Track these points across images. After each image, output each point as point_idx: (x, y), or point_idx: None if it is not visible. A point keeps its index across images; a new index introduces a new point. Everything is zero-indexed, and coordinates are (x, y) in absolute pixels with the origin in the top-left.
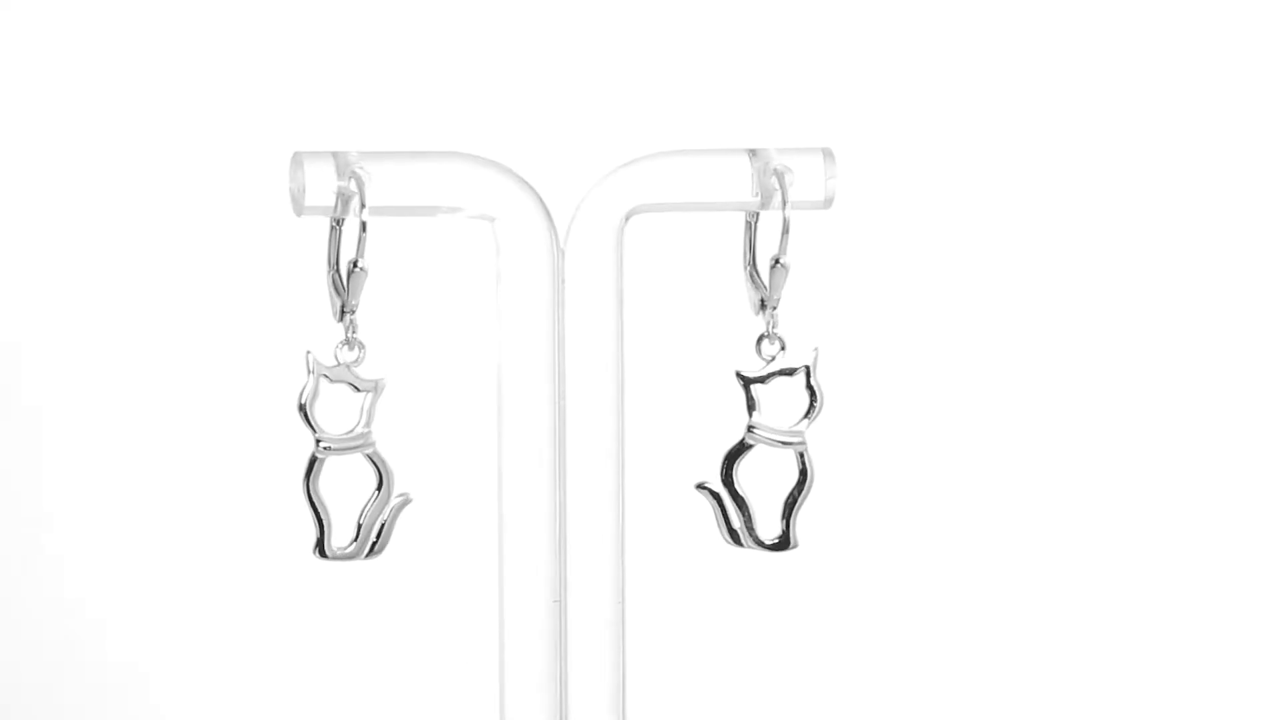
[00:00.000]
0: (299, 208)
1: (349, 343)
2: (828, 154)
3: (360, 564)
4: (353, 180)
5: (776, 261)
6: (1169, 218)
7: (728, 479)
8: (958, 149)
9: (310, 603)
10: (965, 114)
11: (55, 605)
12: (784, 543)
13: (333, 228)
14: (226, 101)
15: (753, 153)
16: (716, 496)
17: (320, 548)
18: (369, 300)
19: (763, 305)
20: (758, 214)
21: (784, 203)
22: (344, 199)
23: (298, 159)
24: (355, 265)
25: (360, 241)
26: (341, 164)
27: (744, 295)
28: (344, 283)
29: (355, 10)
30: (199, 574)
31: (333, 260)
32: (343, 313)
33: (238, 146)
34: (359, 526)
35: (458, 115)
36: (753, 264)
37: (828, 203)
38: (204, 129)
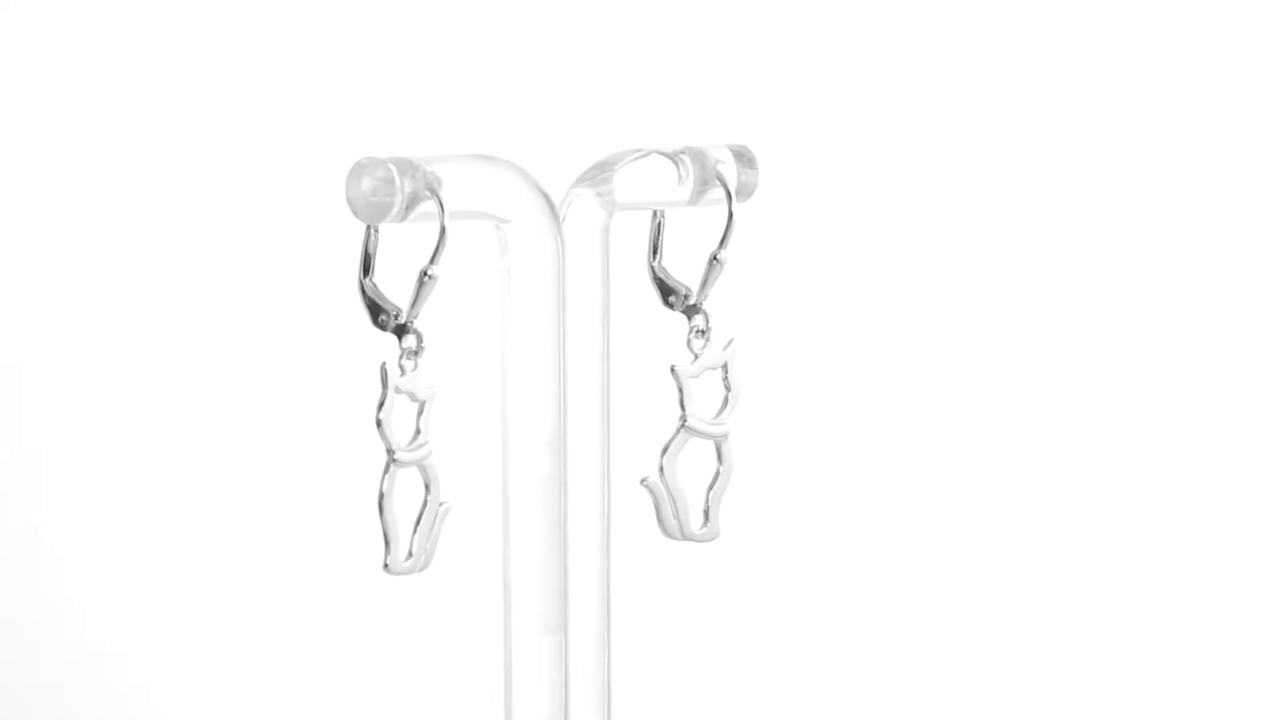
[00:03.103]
0: (373, 214)
1: (417, 352)
2: (743, 152)
3: (364, 569)
4: (426, 186)
5: (714, 257)
6: (1082, 210)
7: (665, 472)
8: (856, 147)
9: (310, 604)
10: (864, 114)
11: (55, 603)
12: (708, 533)
13: (369, 234)
14: (225, 107)
15: (690, 151)
16: (656, 491)
17: (386, 564)
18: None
19: (685, 300)
20: (664, 211)
21: (729, 198)
22: (412, 204)
23: (370, 164)
24: (425, 274)
25: (437, 248)
26: (408, 169)
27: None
28: (374, 292)
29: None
30: (217, 579)
31: (367, 265)
32: (394, 320)
33: (230, 152)
34: (413, 539)
35: (425, 117)
36: (660, 260)
37: (743, 196)
38: (210, 134)
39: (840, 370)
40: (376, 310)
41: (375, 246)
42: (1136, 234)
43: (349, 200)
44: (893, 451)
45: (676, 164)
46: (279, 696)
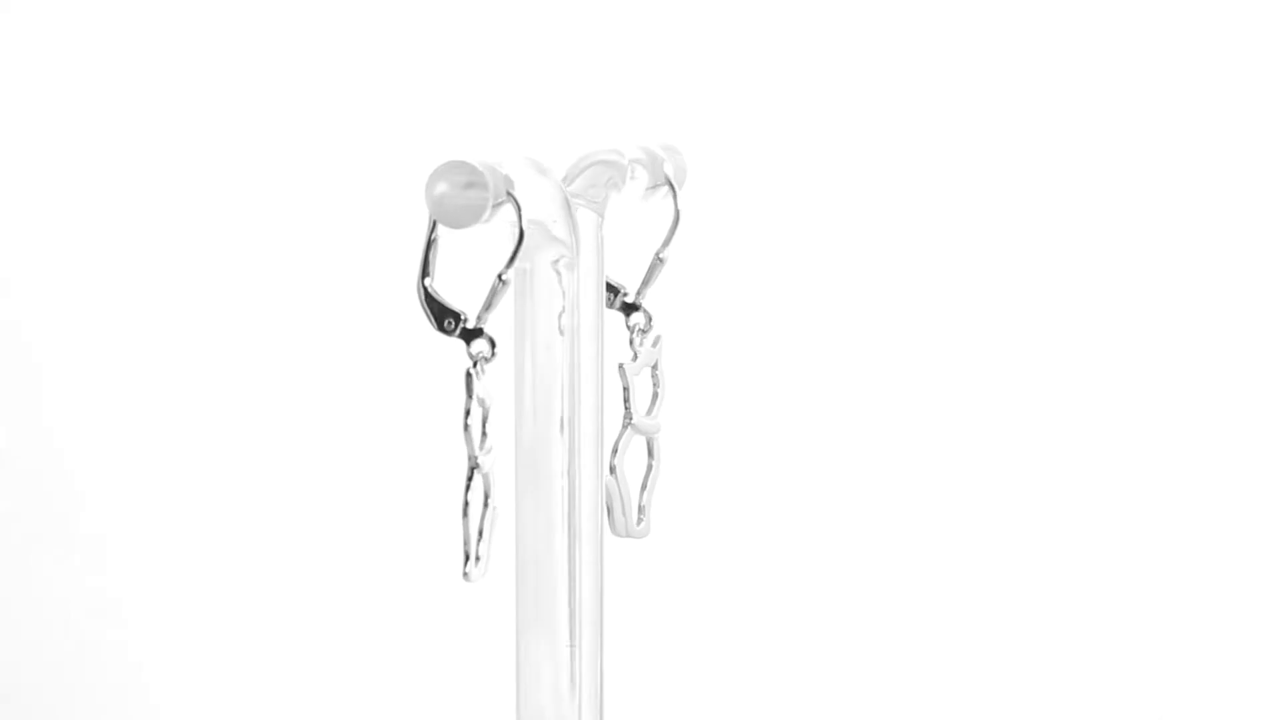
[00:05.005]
0: (463, 217)
1: (488, 358)
2: (671, 148)
3: (366, 565)
4: (506, 189)
5: (657, 256)
6: (1021, 200)
7: (616, 471)
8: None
9: (310, 605)
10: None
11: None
12: (644, 529)
13: (431, 240)
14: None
15: (646, 152)
16: (610, 489)
17: (466, 573)
18: (378, 301)
19: (621, 298)
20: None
21: (674, 197)
22: (496, 208)
23: (458, 167)
24: (501, 279)
25: (515, 252)
26: (493, 173)
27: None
28: (438, 295)
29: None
30: (216, 580)
31: (428, 269)
32: (462, 325)
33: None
34: (478, 545)
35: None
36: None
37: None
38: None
39: (778, 364)
40: (442, 314)
41: (436, 249)
42: (1066, 216)
43: (436, 203)
44: (860, 442)
45: (633, 168)
46: (280, 697)
